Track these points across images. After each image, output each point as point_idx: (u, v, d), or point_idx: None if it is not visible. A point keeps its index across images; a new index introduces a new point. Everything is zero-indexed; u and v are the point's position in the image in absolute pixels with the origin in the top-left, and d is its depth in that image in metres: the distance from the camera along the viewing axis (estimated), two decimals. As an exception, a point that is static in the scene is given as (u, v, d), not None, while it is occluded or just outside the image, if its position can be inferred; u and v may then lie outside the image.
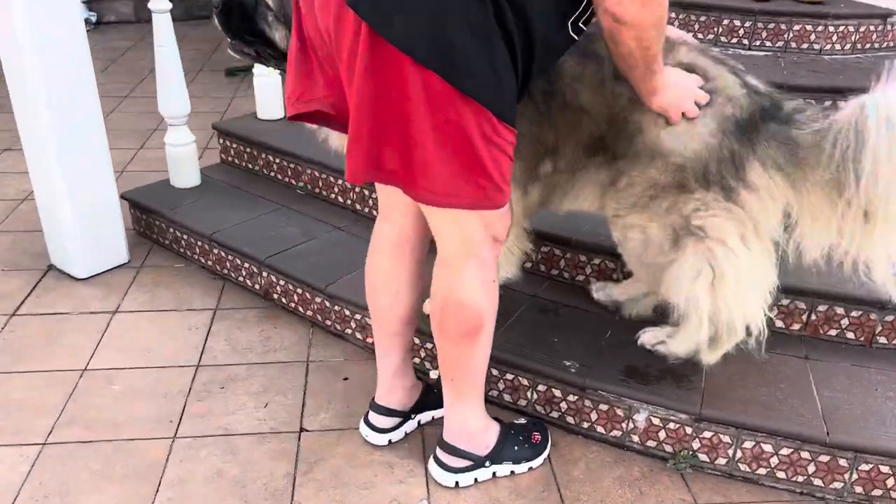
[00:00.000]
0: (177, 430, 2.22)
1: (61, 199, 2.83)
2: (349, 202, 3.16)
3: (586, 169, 2.03)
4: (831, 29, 3.36)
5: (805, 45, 3.40)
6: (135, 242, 3.21)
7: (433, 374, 2.37)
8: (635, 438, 2.17)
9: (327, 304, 2.64)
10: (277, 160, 3.37)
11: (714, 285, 1.95)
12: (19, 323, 2.71)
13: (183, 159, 3.31)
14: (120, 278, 3.00)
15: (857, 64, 3.34)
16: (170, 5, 3.05)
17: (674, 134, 1.86)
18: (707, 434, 2.08)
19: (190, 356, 2.55)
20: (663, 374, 2.19)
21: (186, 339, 2.64)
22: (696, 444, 2.10)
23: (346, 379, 2.46)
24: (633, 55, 1.66)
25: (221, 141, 3.59)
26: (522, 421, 2.18)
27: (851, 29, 3.38)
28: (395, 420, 2.16)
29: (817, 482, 2.03)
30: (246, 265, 2.88)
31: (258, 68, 3.58)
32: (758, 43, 3.45)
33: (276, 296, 2.82)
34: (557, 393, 2.23)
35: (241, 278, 2.93)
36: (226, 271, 2.98)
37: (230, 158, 3.59)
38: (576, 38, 1.64)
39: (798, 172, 1.84)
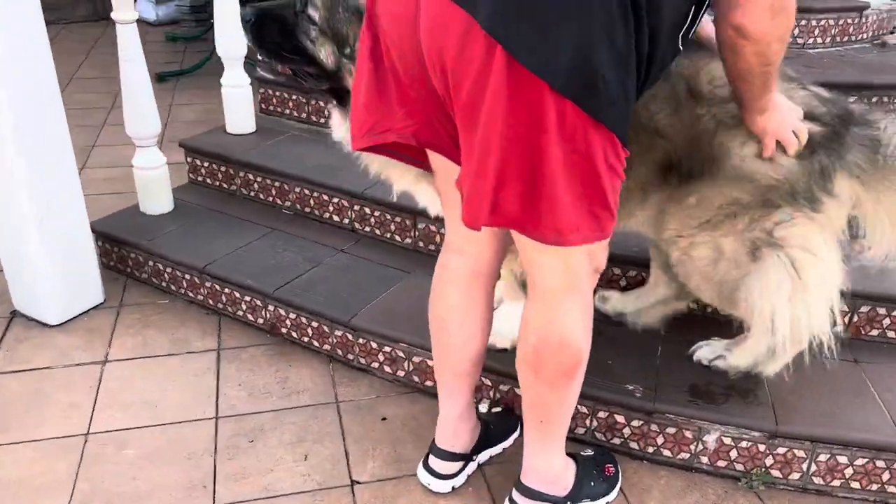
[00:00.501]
0: (214, 496, 1.98)
1: (29, 233, 2.50)
2: (346, 221, 2.95)
3: (654, 187, 1.93)
4: (814, 23, 3.40)
5: (790, 41, 3.42)
6: (105, 279, 2.89)
7: (482, 408, 2.22)
8: (704, 460, 2.10)
9: (350, 337, 2.44)
10: (259, 179, 3.11)
11: (794, 294, 1.90)
12: (-6, 384, 2.38)
13: (154, 183, 3.00)
14: (99, 322, 2.69)
15: (840, 57, 3.40)
16: (136, 14, 2.74)
17: (766, 158, 1.79)
18: (781, 450, 2.03)
19: (204, 407, 2.29)
20: (727, 390, 2.12)
21: (194, 387, 2.38)
22: (769, 461, 2.05)
23: (384, 419, 2.27)
24: (752, 71, 1.56)
25: (190, 160, 3.29)
26: (590, 452, 2.07)
27: (832, 23, 3.43)
28: (459, 464, 2.00)
29: (892, 489, 2.02)
30: (247, 299, 2.63)
31: (226, 77, 3.29)
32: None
33: (284, 330, 2.59)
34: (620, 419, 2.12)
35: (240, 313, 2.68)
36: (221, 306, 2.72)
37: (201, 178, 3.29)
38: (681, 50, 1.53)
39: (877, 174, 1.82)
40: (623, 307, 2.37)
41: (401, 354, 2.37)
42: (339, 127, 2.15)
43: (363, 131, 1.60)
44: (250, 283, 2.60)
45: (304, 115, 3.52)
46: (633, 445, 2.14)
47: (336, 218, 2.97)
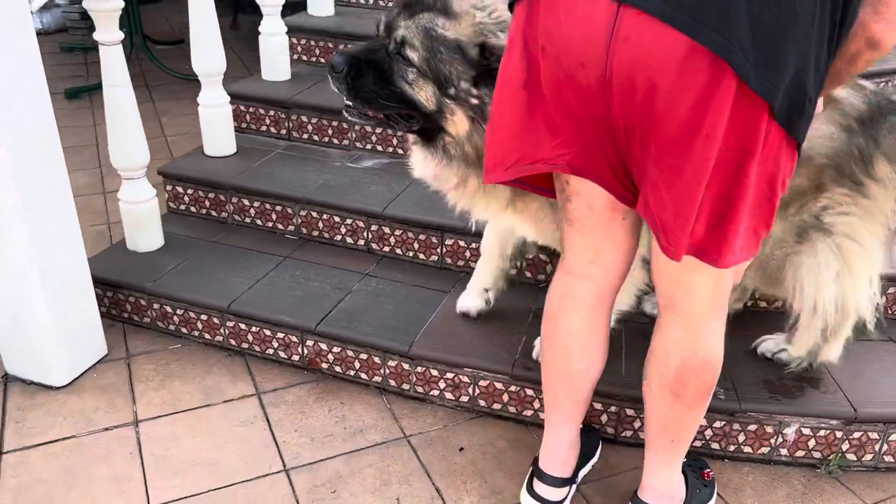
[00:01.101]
0: (319, 559, 1.84)
1: (31, 287, 2.20)
2: (362, 243, 2.81)
3: None
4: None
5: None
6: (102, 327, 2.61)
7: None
8: (784, 452, 2.17)
9: (406, 366, 2.33)
10: (257, 204, 2.91)
11: (839, 276, 2.00)
12: (15, 465, 2.08)
13: (145, 218, 2.74)
14: (111, 377, 2.43)
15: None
16: (121, 35, 2.47)
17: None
18: (857, 434, 2.13)
19: (268, 461, 2.12)
20: (798, 381, 2.20)
21: (248, 439, 2.19)
22: (845, 446, 2.14)
23: (461, 449, 2.19)
24: (855, 75, 1.60)
25: (171, 188, 3.02)
26: (685, 460, 2.08)
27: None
28: (567, 489, 1.96)
29: (952, 457, 2.16)
30: (280, 335, 2.45)
31: (204, 96, 3.04)
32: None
33: (325, 365, 2.44)
34: (703, 421, 2.15)
35: (270, 351, 2.50)
36: (246, 345, 2.53)
37: (183, 207, 3.04)
38: None
39: None
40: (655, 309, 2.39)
41: (465, 380, 2.29)
42: (421, 164, 2.03)
43: (509, 163, 1.52)
44: (287, 319, 2.42)
45: (283, 132, 3.32)
46: (715, 446, 2.18)
47: (350, 240, 2.83)
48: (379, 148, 3.19)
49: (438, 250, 2.71)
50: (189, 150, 3.26)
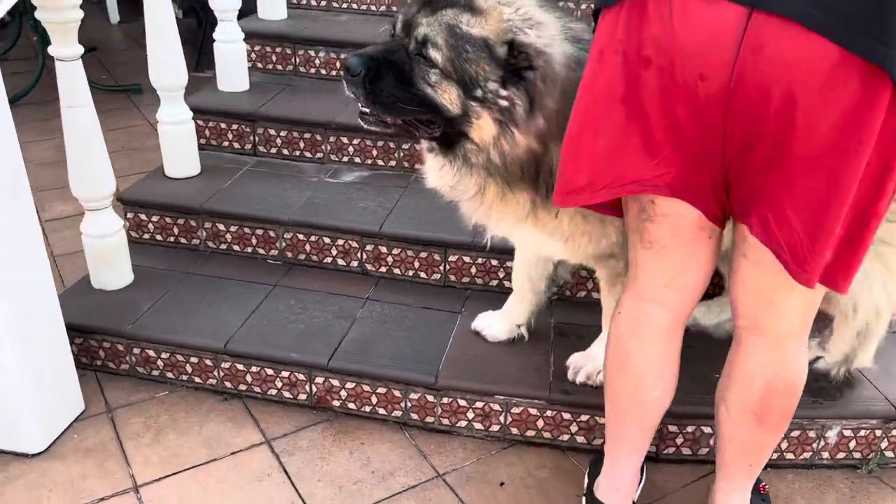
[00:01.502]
0: None
1: (1, 342, 1.92)
2: (356, 264, 2.62)
3: None
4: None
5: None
6: (71, 378, 2.31)
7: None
8: (825, 455, 2.13)
9: (430, 398, 2.16)
10: (234, 228, 2.66)
11: (885, 283, 1.98)
12: (0, 551, 1.80)
13: (113, 252, 2.44)
14: (95, 437, 2.14)
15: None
16: (81, 49, 2.18)
17: None
18: (895, 432, 2.12)
19: (296, 517, 1.92)
20: (836, 385, 2.17)
21: (268, 495, 1.97)
22: (884, 444, 2.13)
23: (502, 484, 2.04)
24: None
25: (132, 215, 2.73)
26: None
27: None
28: (628, 519, 1.85)
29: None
30: (284, 374, 2.24)
31: (163, 113, 2.76)
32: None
33: (337, 403, 2.24)
34: (746, 432, 2.09)
35: (272, 392, 2.27)
36: (244, 387, 2.29)
37: (148, 236, 2.75)
38: None
39: None
40: (703, 318, 2.33)
41: (496, 408, 2.15)
42: (436, 173, 1.90)
43: (601, 184, 1.38)
44: (294, 356, 2.20)
45: (248, 147, 3.06)
46: (758, 455, 2.12)
47: (342, 262, 2.63)
48: (357, 160, 2.99)
49: (441, 268, 2.55)
50: (128, 168, 2.97)
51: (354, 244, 2.59)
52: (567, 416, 2.12)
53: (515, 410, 2.14)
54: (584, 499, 1.93)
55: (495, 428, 2.17)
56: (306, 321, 2.36)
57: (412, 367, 2.17)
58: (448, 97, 1.66)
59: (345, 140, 2.96)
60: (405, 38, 1.71)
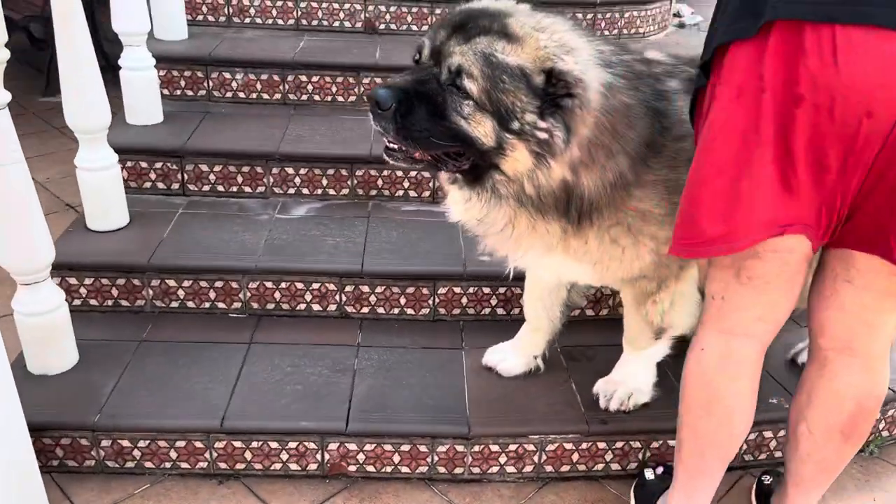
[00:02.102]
0: None
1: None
2: (333, 308, 2.39)
3: None
4: (647, 13, 3.68)
5: (633, 31, 3.66)
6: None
7: (650, 475, 2.03)
8: (835, 444, 2.23)
9: (460, 448, 2.01)
10: (187, 283, 2.34)
11: None
12: None
13: (56, 330, 2.06)
14: (78, 555, 1.80)
15: (668, 40, 3.75)
16: (8, 96, 1.80)
17: None
18: (891, 412, 2.25)
19: None
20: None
21: (311, 589, 1.75)
22: (881, 426, 2.25)
23: (551, 528, 1.95)
24: None
25: (58, 280, 2.31)
26: (770, 479, 2.04)
27: (656, 12, 3.75)
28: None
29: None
30: (291, 446, 1.99)
31: (84, 158, 2.36)
32: (598, 33, 3.58)
33: (354, 468, 2.03)
34: (768, 434, 2.13)
35: (277, 466, 2.02)
36: (242, 466, 2.01)
37: (79, 302, 2.35)
38: None
39: None
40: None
41: (530, 448, 2.04)
42: (461, 206, 1.78)
43: (743, 233, 1.33)
44: (306, 425, 1.96)
45: (176, 187, 2.72)
46: (778, 454, 2.17)
47: (317, 307, 2.39)
48: (305, 191, 2.74)
49: (430, 301, 2.39)
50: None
51: (332, 286, 2.36)
52: (602, 445, 2.06)
53: (550, 448, 2.04)
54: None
55: (529, 469, 2.06)
56: (302, 381, 2.11)
57: (440, 417, 2.01)
58: (483, 130, 1.55)
59: (290, 171, 2.70)
60: (434, 67, 1.59)
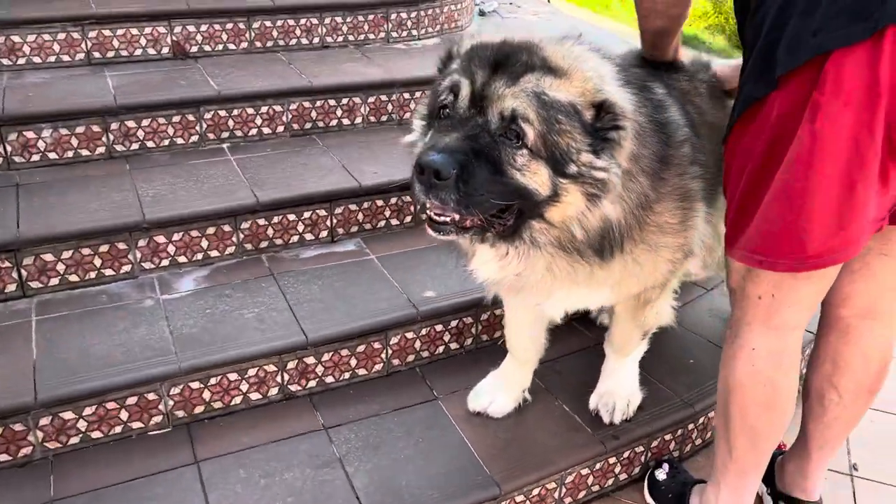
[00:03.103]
0: None
1: None
2: (274, 392, 2.03)
3: None
4: (462, 5, 3.62)
5: (454, 24, 3.58)
6: None
7: (660, 475, 2.02)
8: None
9: None
10: (90, 410, 1.83)
11: None
12: None
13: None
14: None
15: (480, 29, 3.73)
16: None
17: None
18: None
19: None
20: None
21: None
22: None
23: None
24: None
25: None
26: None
27: (468, 3, 3.71)
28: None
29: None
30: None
31: None
32: (424, 31, 3.44)
33: (377, 570, 1.75)
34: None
35: None
36: None
37: (-67, 473, 1.73)
38: None
39: None
40: None
41: (552, 486, 1.91)
42: (495, 265, 1.60)
43: (859, 236, 1.31)
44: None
45: (13, 288, 2.10)
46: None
47: (256, 396, 2.01)
48: (181, 259, 2.28)
49: (383, 355, 2.14)
50: None
51: (272, 367, 2.00)
52: (612, 460, 2.00)
53: (569, 479, 1.94)
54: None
55: (550, 505, 1.95)
56: (290, 491, 1.76)
57: (463, 485, 1.79)
58: (539, 179, 1.40)
59: (161, 239, 2.23)
60: (478, 116, 1.39)
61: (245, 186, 2.39)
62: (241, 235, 2.34)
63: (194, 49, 2.98)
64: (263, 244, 2.38)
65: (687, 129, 1.67)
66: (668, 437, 2.09)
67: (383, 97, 2.90)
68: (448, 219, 1.40)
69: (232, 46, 3.05)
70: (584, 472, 1.96)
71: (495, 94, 1.37)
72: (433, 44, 3.41)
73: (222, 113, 2.65)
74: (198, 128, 2.64)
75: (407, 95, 2.94)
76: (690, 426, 2.13)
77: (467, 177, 1.32)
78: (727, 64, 1.98)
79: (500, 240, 1.51)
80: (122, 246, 2.19)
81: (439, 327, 2.19)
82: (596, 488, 2.02)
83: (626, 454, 2.02)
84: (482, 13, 3.99)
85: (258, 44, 3.08)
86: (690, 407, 2.09)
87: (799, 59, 1.27)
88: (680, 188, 1.63)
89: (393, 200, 2.52)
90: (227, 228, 2.31)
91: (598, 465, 1.98)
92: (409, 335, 2.15)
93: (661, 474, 2.02)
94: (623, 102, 1.44)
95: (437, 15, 3.47)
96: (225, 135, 2.69)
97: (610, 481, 2.03)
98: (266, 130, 2.75)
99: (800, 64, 1.26)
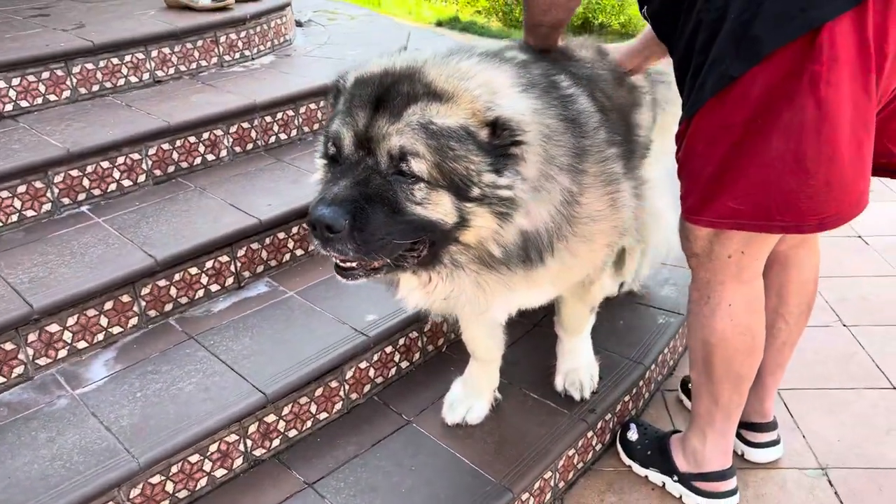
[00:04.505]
0: None
1: None
2: (240, 463, 1.84)
3: None
4: (285, 17, 3.47)
5: (282, 39, 3.44)
6: None
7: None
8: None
9: (501, 517, 1.80)
10: (39, 544, 1.54)
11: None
12: None
13: None
14: None
15: (308, 36, 3.63)
16: None
17: None
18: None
19: None
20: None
21: None
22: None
23: (612, 532, 1.90)
24: None
25: None
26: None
27: (289, 13, 3.56)
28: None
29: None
30: None
31: None
32: (256, 51, 3.26)
33: None
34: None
35: None
36: None
37: None
38: None
39: None
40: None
41: (548, 475, 1.92)
42: (420, 292, 1.58)
43: (868, 184, 1.44)
44: None
45: None
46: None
47: (221, 472, 1.81)
48: (81, 345, 1.99)
49: (341, 392, 2.01)
50: None
51: (233, 437, 1.81)
52: (590, 434, 2.05)
53: (560, 463, 1.96)
54: (681, 484, 1.95)
55: (548, 497, 1.95)
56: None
57: (479, 500, 1.75)
58: (442, 209, 1.37)
59: (54, 328, 1.92)
60: (367, 158, 1.36)
61: (133, 248, 2.13)
62: (143, 303, 2.08)
63: (9, 107, 2.59)
64: (168, 307, 2.14)
65: (598, 114, 1.67)
66: (626, 398, 2.17)
67: (245, 125, 2.71)
68: (354, 264, 1.36)
69: (53, 97, 2.68)
70: (570, 452, 1.99)
71: (380, 134, 1.34)
72: (270, 62, 3.25)
73: (74, 173, 2.32)
74: (49, 194, 2.30)
75: (269, 119, 2.77)
76: (641, 383, 2.24)
77: (362, 224, 1.29)
78: (618, 48, 2.05)
79: (421, 268, 1.47)
80: (9, 347, 1.86)
81: (389, 349, 2.10)
82: (580, 465, 2.06)
83: (599, 425, 2.08)
84: (299, 24, 3.85)
85: (83, 90, 2.74)
86: (641, 364, 2.20)
87: (790, 34, 1.32)
88: (603, 174, 1.62)
89: (294, 230, 2.38)
90: (125, 299, 2.04)
91: (580, 443, 2.02)
92: (363, 364, 2.04)
93: (632, 435, 2.10)
94: (519, 114, 1.40)
95: (266, 31, 3.30)
96: (82, 196, 2.36)
97: (590, 455, 2.08)
98: (126, 183, 2.46)
99: (791, 39, 1.32)
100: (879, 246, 3.15)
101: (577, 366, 2.08)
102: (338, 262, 1.38)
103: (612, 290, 2.07)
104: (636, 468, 2.06)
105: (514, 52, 1.75)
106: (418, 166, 1.32)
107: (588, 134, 1.59)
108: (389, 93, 1.37)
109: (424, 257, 1.42)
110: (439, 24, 7.06)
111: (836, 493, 1.98)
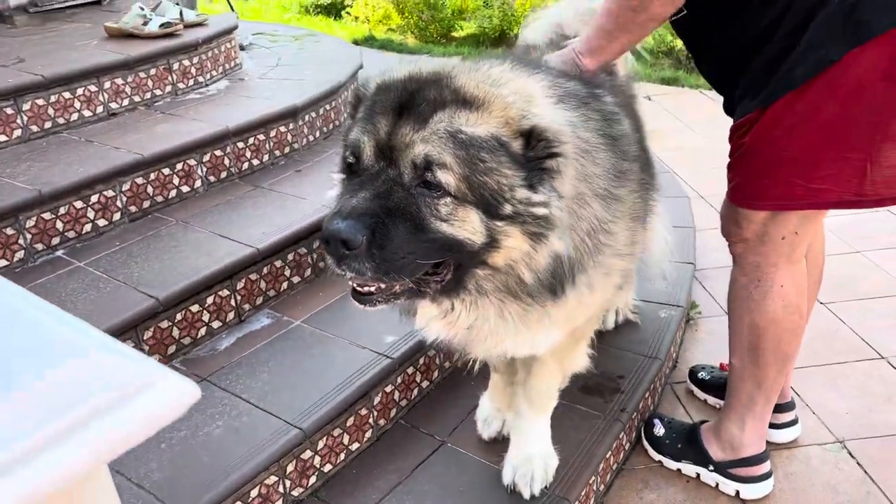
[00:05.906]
0: None
1: None
2: None
3: None
4: (234, 40, 3.34)
5: (234, 60, 3.31)
6: None
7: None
8: (687, 323, 2.65)
9: (556, 529, 1.76)
10: None
11: None
12: None
13: None
14: None
15: (254, 53, 3.50)
16: None
17: None
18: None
19: None
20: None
21: None
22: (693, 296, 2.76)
23: (660, 529, 1.90)
24: None
25: None
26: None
27: (235, 34, 3.43)
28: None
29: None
30: None
31: None
32: (209, 76, 3.12)
33: None
34: (674, 342, 2.42)
35: None
36: None
37: None
38: None
39: None
40: None
41: (591, 479, 1.90)
42: (440, 322, 1.45)
43: None
44: None
45: None
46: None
47: (263, 516, 1.70)
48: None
49: (371, 420, 1.93)
50: None
51: (272, 479, 1.70)
52: (622, 434, 2.04)
53: (602, 466, 1.95)
54: (717, 473, 1.97)
55: (592, 502, 1.94)
56: None
57: (535, 514, 1.71)
58: (470, 227, 1.24)
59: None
60: (388, 169, 1.24)
61: (128, 289, 1.99)
62: (146, 348, 1.95)
63: (-44, 150, 2.39)
64: (171, 349, 2.01)
65: (637, 135, 1.59)
66: (646, 395, 2.19)
67: (217, 152, 2.59)
68: (373, 288, 1.25)
69: (3, 138, 2.48)
70: (608, 455, 1.98)
71: (403, 142, 1.23)
72: (225, 87, 3.13)
73: (47, 216, 2.15)
74: (21, 241, 2.12)
75: (241, 145, 2.66)
76: (656, 379, 2.26)
77: (382, 240, 1.18)
78: (560, 55, 1.78)
79: (443, 295, 1.35)
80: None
81: (411, 370, 2.04)
82: (615, 467, 2.05)
83: (628, 424, 2.08)
84: (242, 47, 3.73)
85: (34, 127, 2.55)
86: (657, 359, 2.22)
87: (856, 38, 1.39)
88: (635, 206, 1.52)
89: (290, 257, 2.28)
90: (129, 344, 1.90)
91: (614, 444, 2.01)
92: (388, 388, 1.98)
93: (658, 430, 2.11)
94: (556, 123, 1.30)
95: (218, 56, 3.18)
96: (56, 240, 2.19)
97: (621, 455, 2.08)
98: (101, 223, 2.30)
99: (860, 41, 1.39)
100: (833, 226, 3.31)
101: (533, 454, 1.80)
102: (355, 286, 1.26)
103: (585, 363, 1.95)
104: (668, 462, 2.07)
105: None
106: (445, 178, 1.21)
107: (630, 158, 1.50)
108: (414, 98, 1.26)
109: (448, 282, 1.31)
110: (356, 42, 7.00)
111: (858, 463, 2.06)
